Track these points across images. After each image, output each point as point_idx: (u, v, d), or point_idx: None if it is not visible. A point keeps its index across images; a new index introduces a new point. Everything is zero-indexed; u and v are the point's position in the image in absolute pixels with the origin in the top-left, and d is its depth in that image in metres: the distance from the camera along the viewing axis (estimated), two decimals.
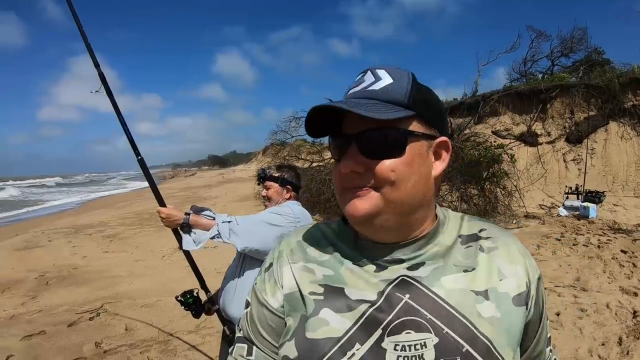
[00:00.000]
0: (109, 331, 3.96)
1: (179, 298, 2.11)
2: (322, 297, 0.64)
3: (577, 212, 9.28)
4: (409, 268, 0.65)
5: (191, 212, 1.97)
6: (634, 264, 5.35)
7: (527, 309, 0.66)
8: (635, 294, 4.27)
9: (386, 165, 0.61)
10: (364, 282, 0.64)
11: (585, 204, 9.25)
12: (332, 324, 0.62)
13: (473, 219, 0.74)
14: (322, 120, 0.65)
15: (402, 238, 0.66)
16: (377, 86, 0.63)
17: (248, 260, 1.99)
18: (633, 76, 12.58)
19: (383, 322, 0.60)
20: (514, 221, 8.74)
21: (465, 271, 0.65)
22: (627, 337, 3.33)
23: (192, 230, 1.93)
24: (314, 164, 12.55)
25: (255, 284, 0.75)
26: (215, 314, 2.15)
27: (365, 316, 0.61)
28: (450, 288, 0.63)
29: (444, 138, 0.67)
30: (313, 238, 0.74)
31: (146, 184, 2.17)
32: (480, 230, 0.71)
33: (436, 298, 0.62)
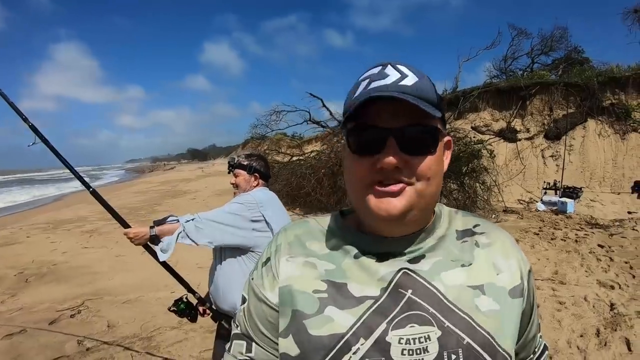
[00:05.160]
0: (90, 328, 3.88)
1: (172, 309, 2.14)
2: (326, 295, 0.64)
3: (555, 207, 9.50)
4: (410, 261, 0.66)
5: (154, 225, 1.98)
6: (610, 258, 5.52)
7: (523, 300, 0.68)
8: (612, 287, 4.41)
9: (426, 162, 0.62)
10: (367, 276, 0.65)
11: (563, 199, 9.49)
12: (337, 320, 0.62)
13: (466, 214, 0.77)
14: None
15: (412, 231, 0.67)
16: (408, 82, 0.61)
17: (226, 249, 2.01)
18: (611, 75, 12.92)
19: (387, 317, 0.61)
20: (493, 216, 8.90)
21: (462, 266, 0.66)
22: (605, 328, 3.43)
23: (161, 240, 1.95)
24: (294, 158, 12.59)
25: (252, 278, 0.73)
26: (210, 313, 2.15)
27: (370, 311, 0.62)
28: (449, 283, 0.64)
29: (449, 137, 0.71)
30: (311, 232, 0.73)
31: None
32: (475, 226, 0.73)
33: (437, 292, 0.63)
